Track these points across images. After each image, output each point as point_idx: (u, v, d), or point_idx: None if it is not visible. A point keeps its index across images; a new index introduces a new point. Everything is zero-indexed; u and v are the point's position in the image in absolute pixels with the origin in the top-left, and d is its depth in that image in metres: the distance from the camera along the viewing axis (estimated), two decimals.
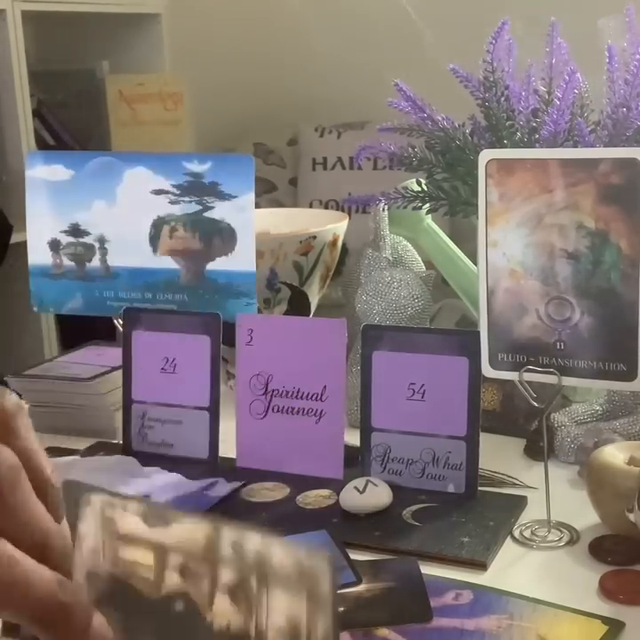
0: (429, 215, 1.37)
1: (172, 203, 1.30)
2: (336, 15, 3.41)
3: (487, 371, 1.03)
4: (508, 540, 1.01)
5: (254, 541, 0.44)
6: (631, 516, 0.90)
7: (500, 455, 1.18)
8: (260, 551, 0.44)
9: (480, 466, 1.07)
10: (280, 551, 0.43)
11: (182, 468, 1.17)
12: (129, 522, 0.46)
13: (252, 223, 1.28)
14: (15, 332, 2.86)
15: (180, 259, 1.31)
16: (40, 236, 1.36)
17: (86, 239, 1.34)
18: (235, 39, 3.51)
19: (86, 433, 1.31)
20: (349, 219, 1.46)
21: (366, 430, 1.12)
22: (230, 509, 1.09)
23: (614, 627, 0.85)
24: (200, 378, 1.20)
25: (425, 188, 1.31)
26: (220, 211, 1.28)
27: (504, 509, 1.05)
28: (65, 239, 1.35)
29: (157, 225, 1.31)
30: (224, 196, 1.28)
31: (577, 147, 1.19)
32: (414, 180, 1.33)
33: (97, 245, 1.34)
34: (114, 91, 3.15)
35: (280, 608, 0.43)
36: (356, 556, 0.97)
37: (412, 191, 1.31)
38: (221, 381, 1.23)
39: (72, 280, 1.36)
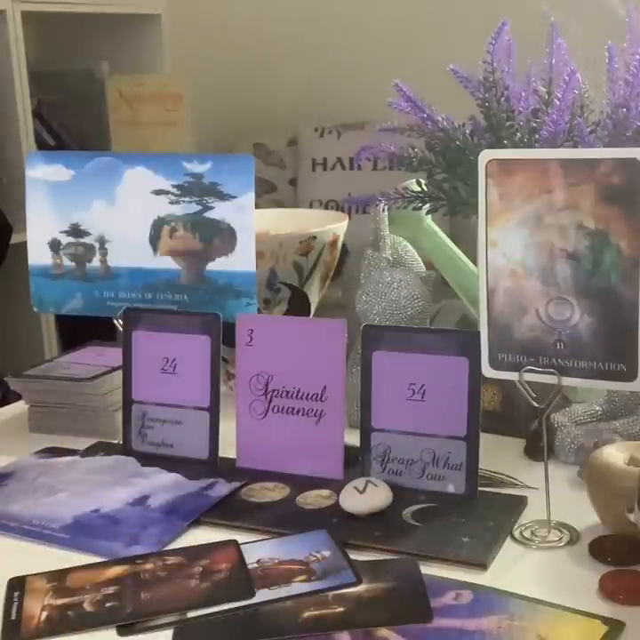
0: (429, 215, 1.37)
1: (172, 203, 1.30)
2: (336, 16, 3.41)
3: (487, 371, 1.03)
4: (508, 540, 1.01)
5: None
6: (631, 516, 0.90)
7: (500, 455, 1.18)
8: None
9: (480, 466, 1.07)
10: None
11: (182, 468, 1.17)
12: None
13: (252, 223, 1.28)
14: (15, 332, 2.86)
15: (180, 259, 1.31)
16: (40, 236, 1.36)
17: (86, 239, 1.34)
18: (234, 39, 3.51)
19: (86, 433, 1.31)
20: (349, 219, 1.46)
21: (366, 430, 1.12)
22: (230, 509, 1.09)
23: (614, 627, 0.85)
24: (200, 378, 1.20)
25: (425, 189, 1.31)
26: (220, 211, 1.28)
27: (504, 509, 1.05)
28: (65, 239, 1.35)
29: (157, 225, 1.31)
30: (224, 196, 1.28)
31: (577, 147, 1.19)
32: (414, 180, 1.33)
33: (97, 245, 1.34)
34: (114, 91, 3.15)
35: None
36: (355, 556, 0.97)
37: (412, 191, 1.31)
38: (221, 381, 1.23)
39: (72, 280, 1.36)
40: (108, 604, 0.92)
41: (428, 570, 0.95)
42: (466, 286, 1.38)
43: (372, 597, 0.91)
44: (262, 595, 0.92)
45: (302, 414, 1.16)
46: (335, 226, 1.43)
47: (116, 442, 1.28)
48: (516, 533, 1.02)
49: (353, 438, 1.14)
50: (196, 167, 1.29)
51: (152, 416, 1.23)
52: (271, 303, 1.40)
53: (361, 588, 0.92)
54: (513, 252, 0.99)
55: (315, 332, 1.17)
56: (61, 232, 1.35)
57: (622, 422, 1.17)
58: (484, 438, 1.08)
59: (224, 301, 1.29)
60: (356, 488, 1.06)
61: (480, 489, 1.08)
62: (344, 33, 3.40)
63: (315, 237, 1.39)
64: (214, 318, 1.20)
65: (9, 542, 1.06)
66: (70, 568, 0.99)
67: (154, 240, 1.32)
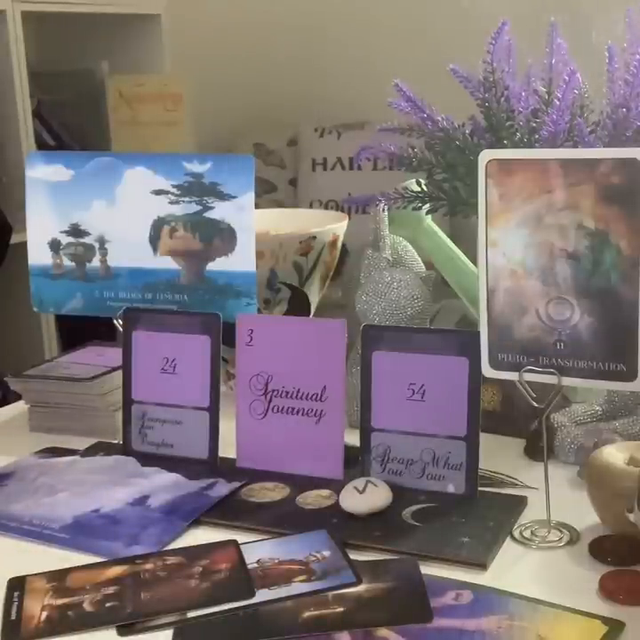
0: (429, 215, 1.37)
1: (172, 203, 1.30)
2: (336, 16, 3.41)
3: (487, 371, 1.03)
4: (508, 540, 1.01)
5: None
6: (631, 516, 0.90)
7: (500, 455, 1.18)
8: None
9: (480, 466, 1.08)
10: None
11: (182, 468, 1.17)
12: None
13: (252, 223, 1.28)
14: (15, 332, 2.86)
15: (180, 259, 1.31)
16: (40, 236, 1.36)
17: (86, 239, 1.34)
18: (234, 39, 3.51)
19: (86, 433, 1.31)
20: (349, 219, 1.46)
21: (366, 430, 1.12)
22: (230, 509, 1.09)
23: (614, 627, 0.85)
24: (200, 378, 1.20)
25: (425, 189, 1.31)
26: (220, 211, 1.28)
27: (504, 509, 1.05)
28: (65, 239, 1.35)
29: (157, 225, 1.31)
30: (224, 196, 1.28)
31: (577, 147, 1.19)
32: (414, 180, 1.33)
33: (97, 245, 1.34)
34: (114, 91, 3.15)
35: None
36: (355, 556, 0.97)
37: (412, 191, 1.31)
38: (221, 381, 1.23)
39: (72, 280, 1.36)
40: (108, 604, 0.92)
41: (428, 570, 0.95)
42: (466, 286, 1.38)
43: (372, 597, 0.91)
44: (262, 595, 0.92)
45: (302, 414, 1.16)
46: (335, 226, 1.43)
47: (115, 442, 1.28)
48: (516, 533, 1.02)
49: (353, 438, 1.14)
50: (195, 167, 1.29)
51: (152, 416, 1.23)
52: (271, 303, 1.40)
53: (361, 587, 0.92)
54: (513, 252, 0.99)
55: (315, 332, 1.17)
56: (61, 232, 1.35)
57: (622, 422, 1.17)
58: (484, 438, 1.08)
59: (224, 301, 1.29)
60: (355, 488, 1.06)
61: (480, 489, 1.08)
62: (344, 33, 3.40)
63: (315, 237, 1.39)
64: (214, 318, 1.20)
65: (9, 542, 1.06)
66: (70, 568, 0.99)
67: (154, 240, 1.32)
